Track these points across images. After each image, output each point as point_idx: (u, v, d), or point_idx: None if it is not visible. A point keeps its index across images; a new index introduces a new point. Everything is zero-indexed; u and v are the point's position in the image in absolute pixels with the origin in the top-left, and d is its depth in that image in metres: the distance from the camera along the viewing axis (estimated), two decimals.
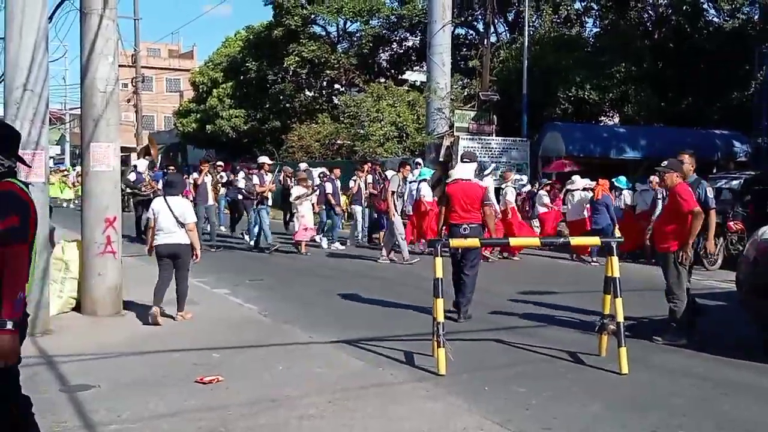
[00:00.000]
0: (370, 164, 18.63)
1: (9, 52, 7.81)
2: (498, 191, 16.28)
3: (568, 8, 28.36)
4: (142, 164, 19.57)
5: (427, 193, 16.04)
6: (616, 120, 28.71)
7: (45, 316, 8.07)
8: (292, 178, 19.14)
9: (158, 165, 21.37)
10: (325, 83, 36.69)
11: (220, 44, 42.65)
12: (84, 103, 9.02)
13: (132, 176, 19.30)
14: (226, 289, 11.44)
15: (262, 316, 9.52)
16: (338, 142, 31.31)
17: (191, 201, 16.48)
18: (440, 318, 6.76)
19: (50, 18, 10.23)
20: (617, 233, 13.69)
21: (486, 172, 15.89)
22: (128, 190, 19.01)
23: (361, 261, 15.13)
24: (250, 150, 35.76)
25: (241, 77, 37.64)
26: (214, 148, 40.10)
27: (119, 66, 9.32)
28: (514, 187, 16.78)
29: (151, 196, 17.39)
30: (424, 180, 16.26)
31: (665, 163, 8.28)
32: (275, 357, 7.31)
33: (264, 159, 18.12)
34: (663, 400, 6.10)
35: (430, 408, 5.88)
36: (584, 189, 16.00)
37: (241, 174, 19.55)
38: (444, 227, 9.61)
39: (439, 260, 6.91)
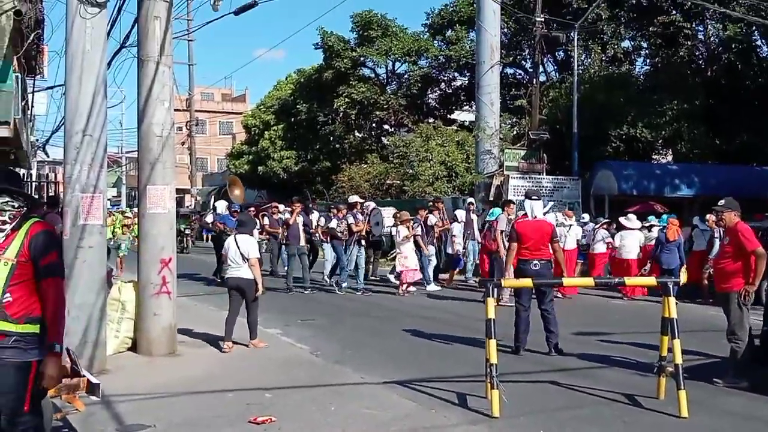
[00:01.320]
0: (434, 203, 18.55)
1: (69, 99, 8.06)
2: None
3: (616, 47, 28.24)
4: (221, 205, 19.42)
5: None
6: (669, 158, 28.33)
7: (102, 355, 8.20)
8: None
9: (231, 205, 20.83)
10: (374, 124, 36.99)
11: (272, 87, 43.51)
12: (141, 147, 9.24)
13: (209, 218, 19.67)
14: (278, 329, 11.49)
15: (313, 355, 9.52)
16: (388, 182, 31.44)
17: (284, 242, 16.97)
18: (493, 359, 6.68)
19: (108, 65, 10.56)
20: (683, 274, 13.42)
21: (545, 210, 15.81)
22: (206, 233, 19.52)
23: (413, 302, 15.06)
24: (301, 191, 36.14)
25: (292, 119, 38.21)
26: (266, 189, 40.64)
27: (174, 110, 9.57)
28: (579, 225, 16.59)
29: (223, 237, 17.83)
30: (489, 221, 16.01)
31: (722, 201, 8.15)
32: (327, 397, 7.29)
33: (355, 198, 17.98)
34: None
35: None
36: (641, 228, 15.86)
37: (316, 214, 19.43)
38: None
39: (491, 300, 6.86)
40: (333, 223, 16.80)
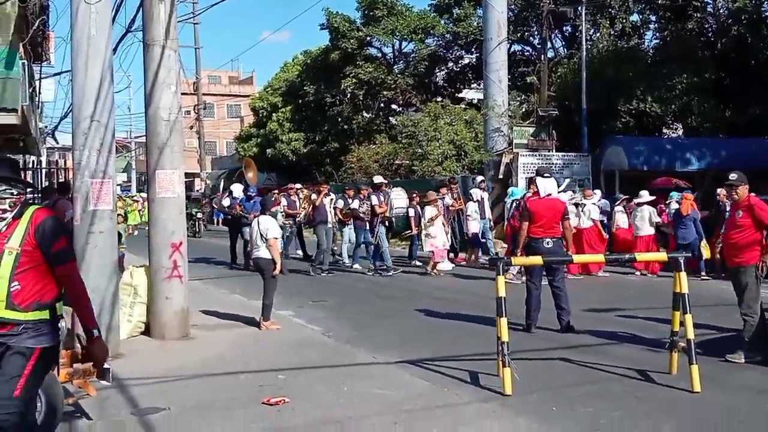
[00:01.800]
0: (449, 183, 18.44)
1: (76, 85, 8.06)
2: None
3: (624, 21, 27.99)
4: (237, 189, 19.14)
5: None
6: (679, 132, 28.14)
7: (115, 340, 8.25)
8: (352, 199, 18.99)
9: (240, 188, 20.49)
10: (382, 104, 36.85)
11: (279, 69, 43.34)
12: (149, 132, 9.25)
13: (226, 201, 19.11)
14: (290, 310, 11.52)
15: (325, 336, 9.57)
16: (397, 162, 31.38)
17: (313, 222, 16.90)
18: (505, 337, 6.69)
19: (114, 50, 10.54)
20: (704, 249, 13.31)
21: (562, 187, 15.73)
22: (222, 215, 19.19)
23: (421, 281, 15.08)
24: (310, 172, 36.12)
25: (300, 101, 38.12)
26: (275, 171, 40.64)
27: (182, 94, 9.56)
28: (598, 205, 16.47)
29: (243, 220, 17.52)
30: (515, 200, 15.85)
31: (734, 175, 8.05)
32: (339, 378, 7.32)
33: (380, 179, 17.85)
34: (737, 419, 5.92)
35: (497, 429, 5.82)
36: (650, 203, 15.78)
37: (331, 196, 18.94)
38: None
39: (501, 279, 6.86)
40: (355, 204, 16.74)
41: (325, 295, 13.25)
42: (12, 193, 4.13)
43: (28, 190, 4.42)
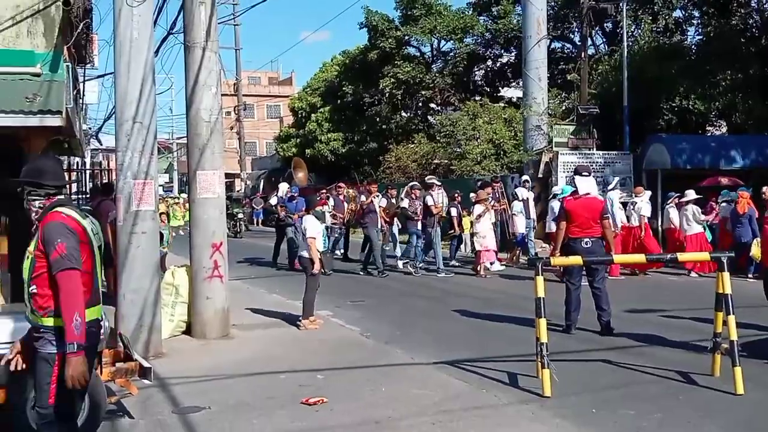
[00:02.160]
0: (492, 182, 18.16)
1: (119, 87, 8.19)
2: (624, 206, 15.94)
3: (667, 17, 27.56)
4: (283, 188, 19.08)
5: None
6: (723, 130, 27.63)
7: (157, 339, 8.37)
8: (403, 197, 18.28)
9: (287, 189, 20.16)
10: (420, 103, 36.84)
11: (318, 69, 43.54)
12: (189, 133, 9.36)
13: (273, 200, 19.14)
14: (329, 310, 11.56)
15: (364, 337, 9.59)
16: (435, 161, 31.32)
17: (363, 223, 16.69)
18: (544, 338, 6.65)
19: (156, 52, 10.69)
20: (754, 247, 12.94)
21: (611, 186, 15.54)
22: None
23: (459, 281, 15.03)
24: (349, 172, 36.24)
25: (338, 101, 38.28)
26: (314, 171, 40.85)
27: (222, 95, 9.65)
28: (648, 202, 16.23)
29: (287, 220, 17.62)
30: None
31: None
32: (378, 378, 7.34)
33: (433, 179, 17.62)
34: None
35: (536, 431, 5.78)
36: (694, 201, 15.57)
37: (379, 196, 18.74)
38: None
39: (540, 279, 6.82)
40: (405, 203, 16.63)
41: (363, 295, 13.29)
42: (40, 195, 4.17)
43: (64, 191, 4.38)
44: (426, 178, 18.33)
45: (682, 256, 8.29)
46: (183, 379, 7.31)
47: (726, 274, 6.69)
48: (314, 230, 10.20)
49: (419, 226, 16.29)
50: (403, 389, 6.92)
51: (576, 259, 8.21)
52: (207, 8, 8.87)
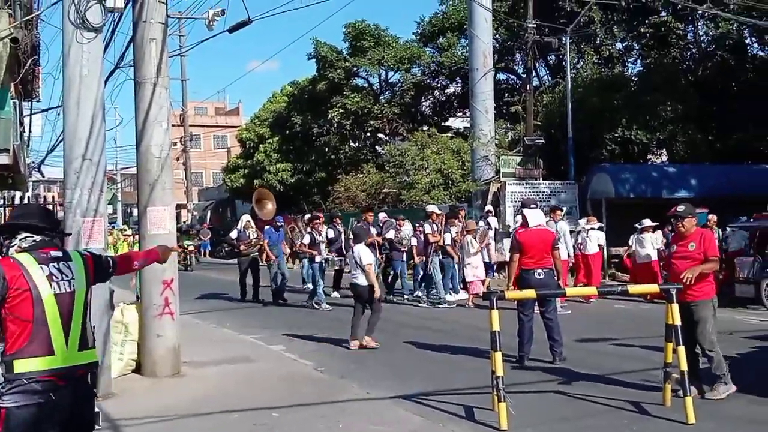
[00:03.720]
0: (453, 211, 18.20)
1: (68, 124, 8.06)
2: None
3: (610, 48, 28.33)
4: (243, 220, 17.99)
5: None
6: (664, 158, 28.39)
7: (106, 379, 8.16)
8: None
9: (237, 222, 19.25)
10: (369, 133, 37.08)
11: (266, 100, 43.52)
12: (140, 169, 9.24)
13: (233, 233, 17.99)
14: (282, 345, 11.47)
15: (318, 371, 9.52)
16: (384, 191, 31.48)
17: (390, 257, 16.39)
18: (499, 372, 6.69)
19: (104, 83, 10.56)
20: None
21: (562, 214, 15.72)
22: (227, 248, 18.34)
23: (414, 311, 15.03)
24: (298, 202, 36.15)
25: (287, 131, 38.26)
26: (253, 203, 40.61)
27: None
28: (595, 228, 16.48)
29: (255, 254, 17.18)
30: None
31: (682, 207, 7.77)
32: (334, 414, 7.28)
33: (433, 208, 17.30)
34: None
35: None
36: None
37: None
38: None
39: (495, 313, 6.87)
40: (390, 234, 16.41)
41: (315, 328, 13.19)
42: (34, 240, 4.11)
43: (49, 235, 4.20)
44: (426, 207, 18.05)
45: (632, 289, 8.42)
46: (134, 420, 7.14)
47: (675, 306, 6.85)
48: (369, 259, 10.90)
49: (404, 258, 16.26)
50: (360, 425, 6.89)
51: (530, 293, 8.31)
52: (158, 45, 8.81)
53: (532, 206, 10.12)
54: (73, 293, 4.08)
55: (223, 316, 14.93)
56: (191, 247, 30.84)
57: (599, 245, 16.28)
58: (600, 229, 16.84)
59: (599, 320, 13.50)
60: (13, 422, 3.84)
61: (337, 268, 17.21)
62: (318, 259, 16.02)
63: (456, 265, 16.34)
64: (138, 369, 9.26)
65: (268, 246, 16.88)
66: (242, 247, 17.22)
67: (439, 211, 17.15)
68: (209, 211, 45.27)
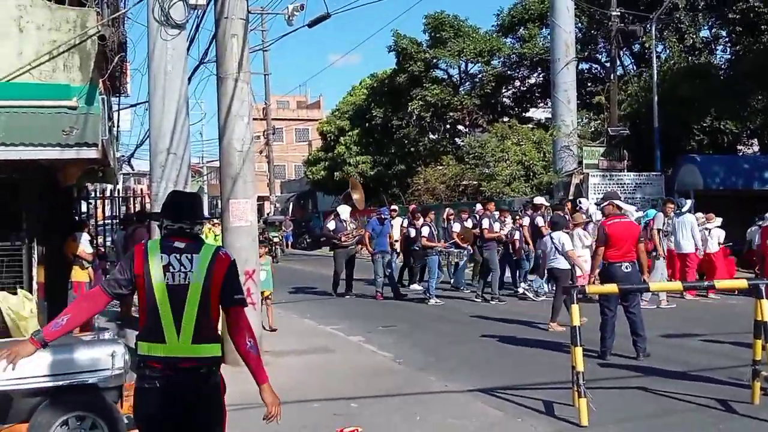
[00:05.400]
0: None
1: (153, 119, 8.32)
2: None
3: (694, 37, 27.39)
4: (344, 211, 17.35)
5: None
6: (755, 149, 27.34)
7: None
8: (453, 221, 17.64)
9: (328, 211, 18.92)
10: (448, 125, 36.91)
11: (346, 93, 43.80)
12: (222, 162, 9.45)
13: (331, 225, 17.07)
14: (360, 336, 11.57)
15: (396, 363, 9.56)
16: (464, 183, 31.31)
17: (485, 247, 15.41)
18: (580, 367, 6.58)
19: (188, 79, 10.82)
20: None
21: (685, 208, 15.32)
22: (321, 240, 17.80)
23: (490, 306, 14.91)
24: (377, 194, 36.31)
25: (367, 124, 38.43)
26: (342, 194, 40.97)
27: (252, 119, 9.74)
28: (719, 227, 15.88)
29: (354, 245, 16.92)
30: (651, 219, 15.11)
31: None
32: (412, 406, 7.31)
33: (541, 200, 16.75)
34: None
35: None
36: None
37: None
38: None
39: (575, 307, 6.77)
40: (496, 227, 15.63)
41: (393, 319, 13.25)
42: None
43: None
44: (534, 199, 17.32)
45: (719, 284, 8.14)
46: None
47: (764, 301, 6.60)
48: (570, 245, 11.49)
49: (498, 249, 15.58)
50: (438, 418, 6.88)
51: (612, 287, 8.13)
52: (239, 41, 8.97)
53: (615, 200, 9.92)
54: (188, 286, 4.03)
55: (305, 306, 15.15)
56: (277, 239, 31.20)
57: (719, 243, 15.71)
58: (721, 227, 16.11)
59: (686, 316, 13.10)
60: (136, 402, 4.05)
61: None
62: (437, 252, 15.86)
63: None
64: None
65: (369, 239, 16.49)
66: (342, 239, 16.64)
67: (547, 203, 16.77)
68: (291, 203, 45.86)
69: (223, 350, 4.21)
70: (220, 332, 4.19)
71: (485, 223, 15.28)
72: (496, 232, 15.33)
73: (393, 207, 18.01)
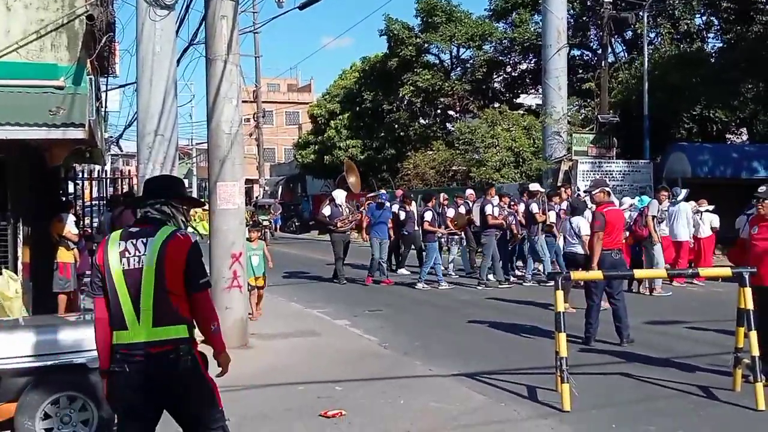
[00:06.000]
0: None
1: (141, 100, 8.29)
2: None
3: (688, 23, 27.40)
4: (339, 196, 16.74)
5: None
6: (744, 138, 27.44)
7: None
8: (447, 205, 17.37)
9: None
10: (439, 111, 36.90)
11: (337, 76, 43.66)
12: (210, 144, 9.42)
13: (327, 210, 16.52)
14: (346, 320, 11.60)
15: (381, 347, 9.59)
16: (453, 168, 31.34)
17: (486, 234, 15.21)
18: (563, 353, 6.63)
19: (177, 62, 10.75)
20: None
21: (680, 197, 15.32)
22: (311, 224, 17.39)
23: (476, 292, 14.95)
24: (367, 179, 36.29)
25: (357, 108, 38.38)
26: (332, 178, 40.93)
27: (242, 102, 9.71)
28: (709, 210, 15.98)
29: (349, 231, 16.58)
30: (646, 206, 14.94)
31: (763, 188, 7.46)
32: (396, 390, 7.34)
33: (536, 186, 16.48)
34: None
35: None
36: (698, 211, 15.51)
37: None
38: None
39: (560, 293, 6.80)
40: (496, 212, 15.34)
41: (379, 304, 13.29)
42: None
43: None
44: (530, 186, 16.96)
45: (703, 272, 8.19)
46: None
47: (747, 290, 6.65)
48: (587, 229, 10.86)
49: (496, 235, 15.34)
50: (421, 402, 6.92)
51: (597, 274, 8.18)
52: (228, 22, 8.92)
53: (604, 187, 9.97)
54: (141, 269, 4.04)
55: (292, 290, 15.18)
56: (266, 222, 31.15)
57: (712, 228, 15.80)
58: (713, 211, 16.18)
59: (671, 303, 13.19)
60: (108, 389, 4.14)
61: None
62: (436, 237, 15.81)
63: (560, 245, 15.02)
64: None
65: (369, 224, 16.35)
66: (339, 224, 16.18)
67: (542, 189, 16.62)
68: (280, 187, 45.81)
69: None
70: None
71: (488, 209, 15.13)
72: (498, 219, 15.28)
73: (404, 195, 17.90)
